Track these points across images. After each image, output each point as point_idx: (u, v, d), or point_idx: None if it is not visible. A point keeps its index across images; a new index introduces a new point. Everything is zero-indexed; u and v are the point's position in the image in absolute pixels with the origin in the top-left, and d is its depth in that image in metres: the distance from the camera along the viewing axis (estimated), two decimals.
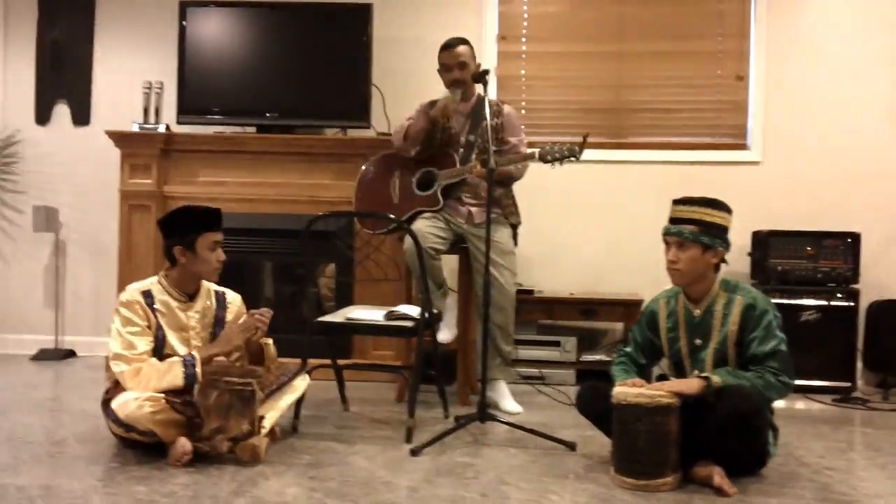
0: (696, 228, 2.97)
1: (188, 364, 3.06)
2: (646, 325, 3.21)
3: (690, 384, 2.87)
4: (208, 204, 3.59)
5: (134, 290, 3.21)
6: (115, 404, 3.00)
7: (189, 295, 3.30)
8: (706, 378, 2.86)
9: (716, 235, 2.97)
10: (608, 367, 3.30)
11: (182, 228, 3.22)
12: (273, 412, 3.19)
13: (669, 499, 2.72)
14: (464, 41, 4.15)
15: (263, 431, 3.06)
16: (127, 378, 3.04)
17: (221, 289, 3.44)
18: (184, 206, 3.37)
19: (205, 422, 3.01)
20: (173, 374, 3.03)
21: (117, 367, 3.07)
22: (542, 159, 3.91)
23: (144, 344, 3.10)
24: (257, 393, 3.02)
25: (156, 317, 3.18)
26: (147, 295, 3.21)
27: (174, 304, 3.25)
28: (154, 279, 3.29)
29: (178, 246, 3.20)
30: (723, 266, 3.07)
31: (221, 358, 3.24)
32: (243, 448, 2.99)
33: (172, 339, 3.21)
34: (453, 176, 4.11)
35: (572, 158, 3.85)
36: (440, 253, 4.07)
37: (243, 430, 3.00)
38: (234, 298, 3.47)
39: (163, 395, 2.99)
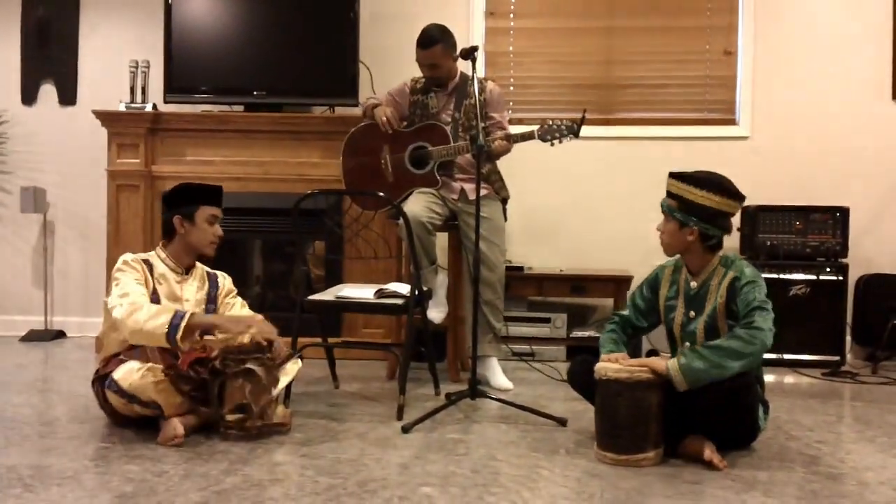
0: (674, 203, 2.98)
1: (177, 315, 3.04)
2: (648, 286, 3.21)
3: (659, 364, 2.83)
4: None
5: (135, 257, 3.28)
6: (117, 374, 2.99)
7: (185, 268, 3.36)
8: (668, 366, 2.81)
9: (692, 214, 2.94)
10: (598, 343, 3.29)
11: (184, 200, 3.32)
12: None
13: (660, 473, 2.74)
14: (440, 37, 4.07)
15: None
16: (124, 313, 3.03)
17: (213, 271, 3.51)
18: (188, 182, 3.48)
19: (227, 400, 3.02)
20: (160, 321, 3.01)
21: (119, 304, 3.06)
22: (542, 138, 3.91)
23: (143, 292, 3.14)
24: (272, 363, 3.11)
25: (154, 284, 3.24)
26: (147, 263, 3.28)
27: (171, 275, 3.31)
28: (151, 253, 3.37)
29: (178, 216, 3.29)
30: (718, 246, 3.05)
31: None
32: (278, 415, 3.12)
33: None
34: (448, 154, 4.10)
35: (571, 136, 3.87)
36: (436, 228, 4.07)
37: (272, 398, 3.08)
38: (225, 279, 3.54)
39: (161, 367, 3.00)
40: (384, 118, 4.16)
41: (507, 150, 4.08)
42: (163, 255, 3.33)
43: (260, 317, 3.34)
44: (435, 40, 4.07)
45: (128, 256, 3.26)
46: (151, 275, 3.25)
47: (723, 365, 2.75)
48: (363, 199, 4.17)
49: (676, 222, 2.98)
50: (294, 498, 2.46)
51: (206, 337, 3.18)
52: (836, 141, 5.08)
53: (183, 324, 3.02)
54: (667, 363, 2.82)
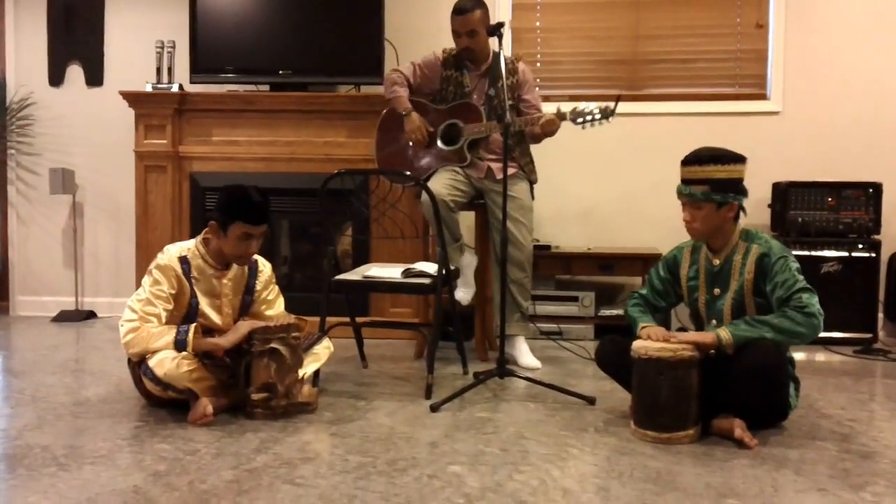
0: (706, 188, 2.93)
1: (181, 331, 3.03)
2: (665, 267, 3.19)
3: (706, 337, 2.85)
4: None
5: (173, 255, 3.18)
6: (152, 363, 3.00)
7: (224, 263, 3.27)
8: (718, 335, 2.84)
9: (728, 190, 2.92)
10: (628, 319, 3.26)
11: (226, 207, 3.15)
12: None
13: (690, 451, 2.72)
14: (478, 4, 4.04)
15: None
16: (126, 330, 3.04)
17: (254, 256, 3.40)
18: (240, 188, 3.20)
19: (253, 379, 3.06)
20: (164, 340, 3.02)
21: (126, 315, 3.08)
22: (573, 121, 3.87)
23: (161, 308, 3.09)
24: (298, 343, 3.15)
25: (190, 284, 3.18)
26: (184, 261, 3.18)
27: (209, 271, 3.23)
28: (192, 243, 3.25)
29: (215, 222, 3.17)
30: (743, 215, 3.03)
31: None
32: (304, 394, 3.13)
33: (205, 305, 3.21)
34: (480, 132, 4.06)
35: (604, 121, 3.82)
36: (459, 206, 4.04)
37: (297, 378, 3.12)
38: (264, 266, 3.43)
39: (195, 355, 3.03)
40: (417, 136, 4.11)
41: (553, 131, 4.02)
42: (202, 249, 3.21)
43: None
44: (472, 5, 4.02)
45: (164, 257, 3.16)
46: (189, 274, 3.17)
47: (776, 340, 2.78)
48: (389, 175, 4.16)
49: (713, 204, 2.93)
50: (324, 476, 2.47)
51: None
52: (869, 116, 4.99)
53: (189, 339, 3.02)
54: (718, 335, 2.81)
